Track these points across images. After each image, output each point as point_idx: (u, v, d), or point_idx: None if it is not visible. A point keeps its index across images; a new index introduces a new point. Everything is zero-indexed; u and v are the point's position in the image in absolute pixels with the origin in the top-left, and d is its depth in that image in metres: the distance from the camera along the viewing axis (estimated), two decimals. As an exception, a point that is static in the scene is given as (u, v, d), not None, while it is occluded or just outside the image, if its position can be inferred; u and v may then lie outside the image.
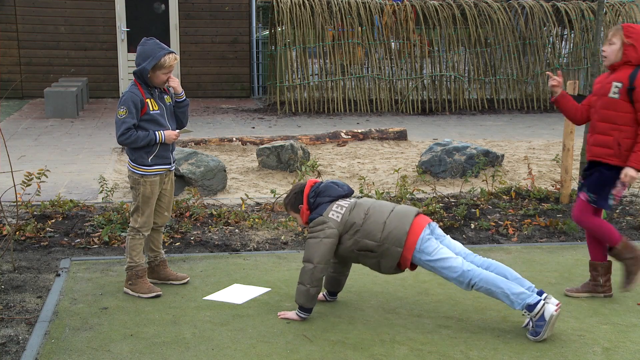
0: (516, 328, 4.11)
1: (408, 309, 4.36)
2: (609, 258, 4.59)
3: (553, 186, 7.32)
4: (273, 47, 13.90)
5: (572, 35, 14.22)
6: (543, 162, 8.89)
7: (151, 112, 4.43)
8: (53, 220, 6.06)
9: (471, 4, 13.82)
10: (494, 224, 6.20)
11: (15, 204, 5.87)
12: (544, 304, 3.90)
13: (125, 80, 14.78)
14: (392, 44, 13.76)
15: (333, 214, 4.13)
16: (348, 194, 4.30)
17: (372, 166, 8.69)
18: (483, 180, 7.54)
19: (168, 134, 4.47)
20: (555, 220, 6.15)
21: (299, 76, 13.35)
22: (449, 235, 4.26)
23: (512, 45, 13.83)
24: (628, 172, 4.25)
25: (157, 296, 4.50)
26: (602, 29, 10.02)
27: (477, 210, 6.49)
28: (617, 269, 4.63)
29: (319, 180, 4.38)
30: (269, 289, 4.68)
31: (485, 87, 14.11)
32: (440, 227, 6.02)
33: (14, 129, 10.99)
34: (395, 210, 4.16)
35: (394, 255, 4.07)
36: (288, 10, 12.94)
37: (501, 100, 13.95)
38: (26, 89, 14.30)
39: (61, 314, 4.22)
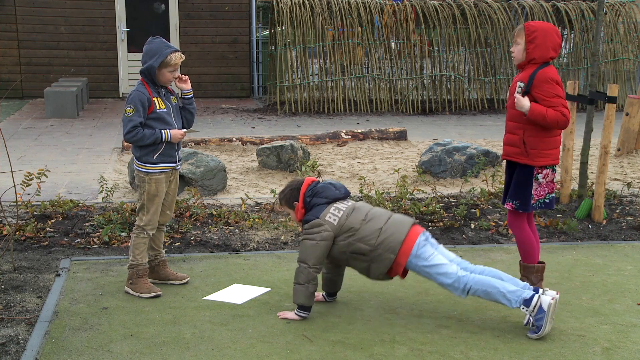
0: (516, 328, 4.11)
1: (408, 309, 4.36)
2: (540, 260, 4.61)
3: (553, 186, 7.32)
4: (273, 47, 13.90)
5: (572, 35, 14.22)
6: (543, 162, 8.88)
7: (158, 110, 4.45)
8: (53, 220, 6.06)
9: (471, 4, 13.82)
10: (494, 224, 6.20)
11: (15, 204, 5.87)
12: (539, 297, 3.92)
13: (126, 80, 14.79)
14: (392, 44, 13.76)
15: (330, 217, 4.14)
16: (345, 196, 4.31)
17: (372, 166, 8.69)
18: (483, 180, 7.54)
19: (174, 132, 4.48)
20: (555, 220, 6.15)
21: (299, 76, 13.35)
22: (442, 245, 4.28)
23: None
24: (523, 102, 4.25)
25: (157, 296, 4.50)
26: (602, 29, 10.02)
27: (477, 210, 6.49)
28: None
29: (317, 179, 4.37)
30: (269, 289, 4.68)
31: (485, 87, 14.11)
32: (440, 227, 6.05)
33: (14, 129, 10.99)
34: (392, 218, 4.18)
35: (386, 262, 4.09)
36: (288, 10, 12.94)
37: (501, 100, 13.95)
38: (26, 89, 14.31)
39: (61, 314, 4.22)
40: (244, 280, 4.84)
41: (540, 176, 4.39)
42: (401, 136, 10.36)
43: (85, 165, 8.58)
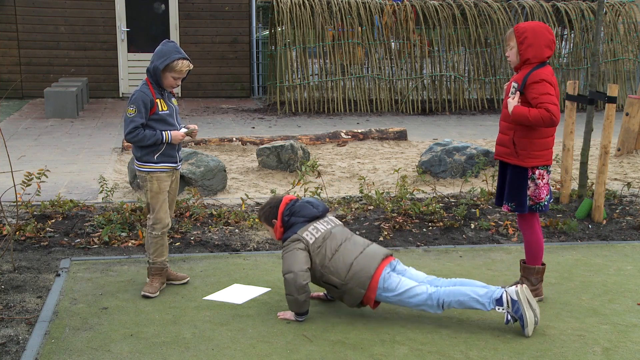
0: (516, 328, 4.10)
1: (408, 309, 4.36)
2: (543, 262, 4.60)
3: (553, 186, 7.32)
4: (273, 47, 13.90)
5: (572, 35, 14.22)
6: (543, 162, 8.88)
7: (160, 112, 4.46)
8: (53, 220, 6.06)
9: (471, 4, 13.82)
10: (494, 224, 6.20)
11: (15, 204, 5.87)
12: (506, 291, 3.96)
13: (126, 80, 14.79)
14: (392, 44, 13.76)
15: (307, 234, 4.18)
16: (322, 214, 4.32)
17: (372, 166, 8.69)
18: (483, 180, 7.54)
19: (175, 134, 4.49)
20: (555, 220, 6.15)
21: (299, 76, 13.35)
22: (410, 268, 4.29)
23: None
24: (510, 104, 4.28)
25: (145, 296, 4.53)
26: (602, 29, 10.00)
27: (477, 210, 6.49)
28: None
29: (295, 197, 4.39)
30: (269, 289, 4.68)
31: (485, 87, 14.12)
32: (440, 227, 6.05)
33: (14, 129, 10.99)
34: (365, 252, 4.19)
35: (357, 296, 4.13)
36: (288, 10, 12.94)
37: (501, 100, 13.94)
38: (26, 89, 14.31)
39: (61, 314, 4.22)
40: (244, 280, 4.84)
41: (535, 177, 4.38)
42: (401, 136, 10.37)
43: (85, 165, 8.58)
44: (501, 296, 3.96)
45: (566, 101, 6.75)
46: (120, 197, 7.01)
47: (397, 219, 6.14)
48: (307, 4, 13.11)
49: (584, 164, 6.75)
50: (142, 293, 4.52)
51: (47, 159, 8.81)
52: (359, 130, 10.32)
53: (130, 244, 5.57)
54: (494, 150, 8.54)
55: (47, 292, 4.58)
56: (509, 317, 3.97)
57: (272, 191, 6.74)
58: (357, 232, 5.89)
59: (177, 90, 4.72)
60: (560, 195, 6.85)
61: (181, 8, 14.75)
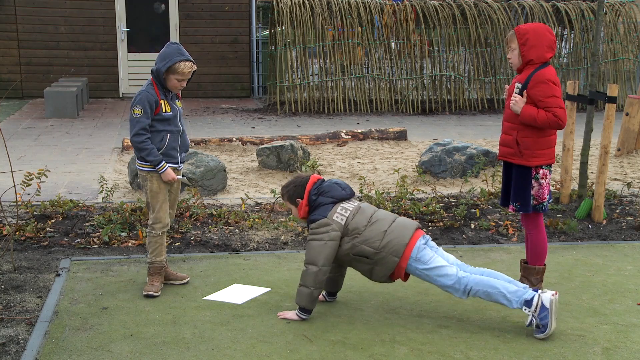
0: (516, 328, 4.11)
1: (408, 309, 4.36)
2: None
3: (553, 186, 7.32)
4: (273, 47, 13.90)
5: (572, 35, 14.22)
6: (543, 162, 8.88)
7: (164, 113, 4.46)
8: (53, 220, 6.06)
9: (471, 4, 13.82)
10: (494, 224, 6.20)
11: (15, 204, 5.87)
12: (540, 295, 3.93)
13: (126, 80, 14.79)
14: (392, 44, 13.76)
15: (337, 217, 4.12)
16: (350, 195, 4.30)
17: (372, 166, 8.69)
18: (483, 180, 7.54)
19: (169, 172, 4.49)
20: (555, 220, 6.15)
21: (299, 76, 13.35)
22: (441, 247, 4.28)
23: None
24: (518, 105, 4.28)
25: (149, 296, 4.54)
26: (602, 29, 10.00)
27: (477, 210, 6.49)
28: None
29: (322, 177, 4.36)
30: (269, 289, 4.68)
31: (485, 87, 14.11)
32: (440, 227, 6.05)
33: (14, 129, 10.99)
34: (396, 221, 4.17)
35: (390, 265, 4.08)
36: (288, 10, 12.94)
37: (501, 100, 13.94)
38: (26, 89, 14.30)
39: (61, 314, 4.22)
40: (244, 280, 4.84)
41: (539, 176, 4.38)
42: (401, 136, 10.37)
43: (85, 165, 8.58)
44: (532, 298, 3.92)
45: (566, 101, 6.75)
46: (120, 197, 7.01)
47: (397, 219, 6.14)
48: (307, 4, 13.11)
49: (584, 164, 6.75)
50: (145, 293, 4.52)
51: (47, 159, 8.80)
52: (359, 130, 10.32)
53: (130, 244, 5.57)
54: (494, 150, 8.55)
55: (47, 292, 4.58)
56: (533, 320, 3.94)
57: (272, 191, 6.74)
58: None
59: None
60: (560, 195, 6.85)
61: (181, 8, 14.75)
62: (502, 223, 6.20)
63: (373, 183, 7.52)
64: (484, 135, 11.01)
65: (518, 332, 4.05)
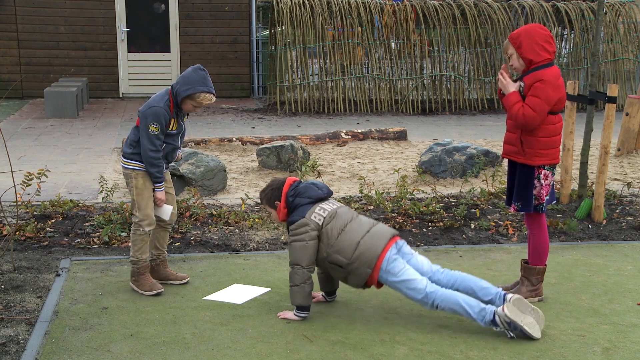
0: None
1: (408, 309, 4.36)
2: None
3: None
4: (273, 47, 13.90)
5: (572, 35, 14.22)
6: (543, 162, 8.88)
7: (169, 131, 4.47)
8: (53, 220, 6.06)
9: (471, 4, 13.82)
10: (494, 224, 6.20)
11: (15, 204, 5.87)
12: (497, 313, 3.90)
13: (126, 80, 14.78)
14: (392, 44, 13.76)
15: (315, 216, 4.14)
16: (327, 195, 4.30)
17: (372, 166, 8.69)
18: (483, 180, 7.54)
19: (159, 195, 4.52)
20: (555, 220, 6.15)
21: (299, 76, 13.35)
22: (417, 252, 4.27)
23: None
24: (508, 87, 4.32)
25: (158, 294, 4.52)
26: (602, 29, 10.00)
27: (477, 210, 6.49)
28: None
29: (298, 179, 4.37)
30: (269, 289, 4.68)
31: (485, 87, 14.11)
32: (440, 227, 6.05)
33: (14, 129, 10.99)
34: (371, 231, 4.15)
35: (363, 275, 4.10)
36: (288, 10, 12.94)
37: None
38: (26, 89, 14.30)
39: (61, 314, 4.22)
40: (244, 280, 4.84)
41: (541, 177, 4.38)
42: (401, 136, 10.37)
43: (85, 165, 8.58)
44: (493, 318, 3.92)
45: (566, 101, 6.75)
46: (120, 197, 7.00)
47: (397, 219, 6.14)
48: (307, 4, 13.11)
49: (584, 164, 6.75)
50: (150, 294, 4.53)
51: (47, 159, 8.81)
52: (359, 130, 10.32)
53: (130, 244, 5.56)
54: (494, 150, 8.56)
55: (47, 292, 4.58)
56: (510, 333, 3.94)
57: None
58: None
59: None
60: (560, 195, 6.85)
61: (181, 8, 14.75)
62: (502, 223, 6.20)
63: (373, 183, 7.52)
64: (484, 135, 11.01)
65: (518, 332, 4.05)
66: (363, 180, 7.44)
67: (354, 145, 9.90)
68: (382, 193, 6.77)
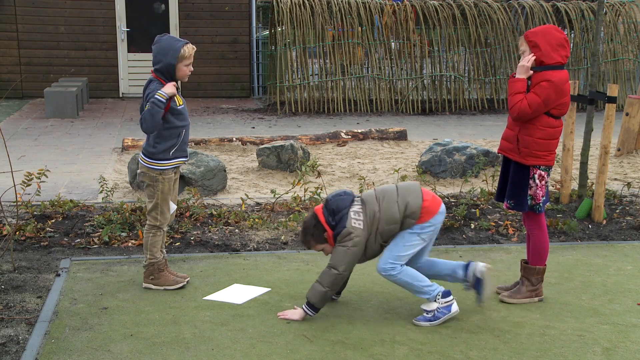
0: (516, 328, 4.11)
1: (408, 309, 4.36)
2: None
3: (553, 186, 7.32)
4: (273, 47, 13.90)
5: (572, 35, 14.22)
6: (543, 162, 8.88)
7: (178, 107, 4.46)
8: (53, 220, 6.06)
9: (471, 4, 13.82)
10: (494, 224, 6.20)
11: (15, 204, 5.87)
12: (476, 265, 4.28)
13: (126, 80, 14.78)
14: (392, 44, 13.76)
15: (355, 222, 4.13)
16: (353, 197, 4.30)
17: (372, 166, 8.69)
18: (483, 180, 7.54)
19: (166, 86, 4.40)
20: (555, 220, 6.15)
21: (299, 76, 13.35)
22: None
23: (512, 45, 13.84)
24: (524, 68, 4.28)
25: (183, 286, 4.61)
26: (602, 29, 10.00)
27: (477, 210, 6.49)
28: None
29: (322, 205, 4.33)
30: (269, 289, 4.68)
31: (485, 87, 14.12)
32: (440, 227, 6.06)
33: (14, 129, 10.99)
34: (400, 188, 4.26)
35: (408, 226, 4.18)
36: (288, 10, 12.94)
37: (501, 100, 13.95)
38: (26, 89, 14.30)
39: (61, 314, 4.22)
40: (244, 280, 4.84)
41: (536, 177, 4.37)
42: (401, 136, 10.37)
43: (85, 165, 8.58)
44: (467, 265, 4.28)
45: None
46: (120, 197, 7.01)
47: (397, 219, 6.13)
48: (307, 4, 13.11)
49: (584, 164, 6.75)
50: (175, 287, 4.59)
51: (47, 159, 8.81)
52: (359, 130, 10.32)
53: (130, 244, 5.57)
54: (494, 150, 8.56)
55: (47, 292, 4.58)
56: (467, 284, 4.28)
57: (272, 191, 6.74)
58: (357, 232, 5.89)
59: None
60: (560, 195, 6.85)
61: (181, 8, 14.75)
62: (502, 223, 6.20)
63: (373, 183, 7.52)
64: (484, 135, 11.01)
65: (518, 332, 4.06)
66: (363, 180, 7.44)
67: (354, 145, 9.90)
68: (382, 193, 6.76)
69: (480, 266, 4.26)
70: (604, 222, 6.30)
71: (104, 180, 6.95)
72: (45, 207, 6.32)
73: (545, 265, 4.54)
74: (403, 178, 6.86)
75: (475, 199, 6.89)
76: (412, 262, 4.27)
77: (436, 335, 4.00)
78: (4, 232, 5.63)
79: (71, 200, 6.49)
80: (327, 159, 9.07)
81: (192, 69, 4.51)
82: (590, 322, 4.22)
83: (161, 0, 14.81)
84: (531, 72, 4.30)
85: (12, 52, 14.25)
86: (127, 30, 14.65)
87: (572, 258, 5.41)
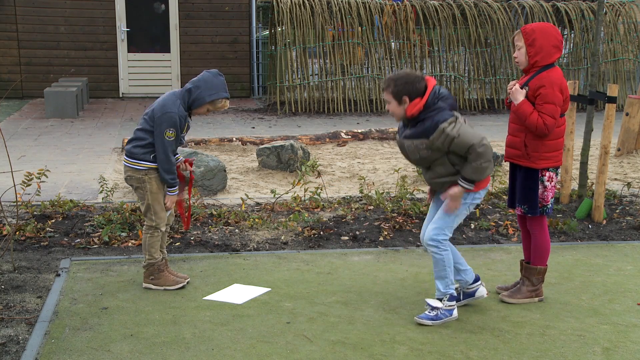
0: (516, 328, 4.11)
1: (408, 309, 4.36)
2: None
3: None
4: (273, 47, 13.90)
5: (572, 35, 14.22)
6: (543, 162, 8.88)
7: (181, 134, 4.49)
8: (53, 220, 6.06)
9: (471, 4, 13.82)
10: (494, 224, 6.20)
11: (15, 204, 5.87)
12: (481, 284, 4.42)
13: (126, 80, 14.78)
14: (392, 44, 13.76)
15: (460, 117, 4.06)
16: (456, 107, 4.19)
17: (372, 166, 8.69)
18: (483, 180, 7.53)
19: (172, 200, 4.57)
20: (555, 220, 6.15)
21: (299, 76, 13.35)
22: None
23: (512, 45, 13.82)
24: (517, 95, 4.27)
25: (183, 286, 4.62)
26: (602, 29, 10.00)
27: (477, 210, 6.49)
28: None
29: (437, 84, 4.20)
30: (269, 289, 4.68)
31: (485, 87, 14.12)
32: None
33: (14, 129, 10.99)
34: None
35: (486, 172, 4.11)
36: (288, 10, 12.94)
37: (501, 100, 13.95)
38: (26, 89, 14.30)
39: (61, 314, 4.22)
40: (244, 280, 4.84)
41: (545, 179, 4.36)
42: (401, 136, 10.35)
43: (85, 165, 8.58)
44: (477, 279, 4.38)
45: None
46: (120, 197, 7.01)
47: (397, 219, 6.14)
48: (307, 4, 13.11)
49: (584, 164, 6.75)
50: (176, 287, 4.61)
51: (47, 159, 8.81)
52: (359, 130, 10.32)
53: (130, 244, 5.57)
54: (493, 150, 8.55)
55: (47, 292, 4.58)
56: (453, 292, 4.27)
57: (272, 191, 6.74)
58: (357, 232, 5.90)
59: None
60: (560, 195, 6.86)
61: (181, 8, 14.75)
62: (502, 223, 6.20)
63: (373, 183, 7.52)
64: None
65: (518, 332, 4.06)
66: (363, 180, 7.44)
67: (354, 145, 9.90)
68: (382, 193, 6.77)
69: (484, 291, 4.43)
70: (604, 222, 6.30)
71: (104, 180, 6.95)
72: (45, 207, 6.32)
73: (547, 265, 4.54)
74: (403, 178, 6.86)
75: (475, 199, 6.88)
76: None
77: (436, 335, 4.00)
78: (4, 232, 5.63)
79: (71, 200, 6.49)
80: (327, 159, 9.07)
81: (208, 114, 4.55)
82: (590, 322, 4.22)
83: (161, 0, 14.81)
84: (525, 89, 4.30)
85: (12, 52, 14.25)
86: (127, 30, 14.65)
87: (572, 258, 5.41)
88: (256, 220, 6.05)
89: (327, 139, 10.07)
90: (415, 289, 4.71)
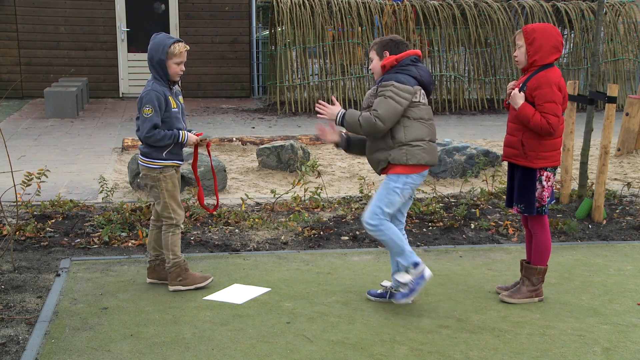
0: (516, 328, 4.11)
1: (408, 309, 4.36)
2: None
3: (552, 186, 7.31)
4: (273, 47, 13.90)
5: (572, 35, 14.22)
6: (543, 162, 8.87)
7: (172, 110, 4.46)
8: (53, 220, 6.06)
9: (471, 4, 13.82)
10: (494, 224, 6.20)
11: (15, 204, 5.87)
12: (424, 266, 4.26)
13: (126, 80, 14.78)
14: (392, 44, 13.73)
15: (417, 95, 4.18)
16: (428, 85, 4.29)
17: (372, 166, 8.68)
18: (483, 180, 7.54)
19: (191, 136, 4.52)
20: (555, 220, 6.15)
21: (299, 76, 13.35)
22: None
23: (512, 45, 13.83)
24: (517, 99, 4.28)
25: (210, 282, 4.66)
26: (602, 29, 10.00)
27: (477, 210, 6.49)
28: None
29: (421, 55, 4.36)
30: (269, 289, 4.68)
31: (485, 87, 14.12)
32: (440, 227, 6.06)
33: (14, 129, 10.99)
34: (433, 145, 4.29)
35: (399, 160, 4.20)
36: (288, 10, 12.94)
37: (501, 100, 13.94)
38: (26, 89, 14.31)
39: (61, 314, 4.22)
40: (244, 280, 4.84)
41: (542, 178, 4.37)
42: (401, 136, 10.34)
43: (85, 165, 8.58)
44: (419, 262, 4.24)
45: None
46: (120, 197, 7.01)
47: (397, 219, 6.13)
48: (307, 4, 13.11)
49: (584, 164, 6.75)
50: (200, 285, 4.61)
51: (47, 159, 8.81)
52: (359, 130, 10.30)
53: (130, 244, 5.57)
54: (494, 150, 8.56)
55: (47, 292, 4.58)
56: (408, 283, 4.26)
57: (272, 191, 6.74)
58: (357, 232, 5.90)
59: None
60: (560, 195, 6.86)
61: (181, 8, 14.75)
62: (502, 223, 6.20)
63: (373, 183, 7.52)
64: (484, 135, 11.02)
65: (518, 332, 4.06)
66: (363, 180, 7.44)
67: (354, 145, 9.88)
68: (382, 193, 6.76)
69: (428, 272, 4.30)
70: (604, 222, 6.30)
71: (104, 180, 6.95)
72: (45, 207, 6.32)
73: (547, 265, 4.54)
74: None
75: (475, 199, 6.89)
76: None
77: (436, 335, 4.00)
78: (4, 232, 5.63)
79: (71, 200, 6.49)
80: (327, 159, 9.07)
81: (183, 68, 4.51)
82: (590, 322, 4.22)
83: (161, 0, 14.82)
84: (523, 90, 4.30)
85: (12, 52, 14.26)
86: (127, 30, 14.65)
87: (572, 258, 5.41)
88: (256, 220, 6.05)
89: (327, 139, 10.05)
90: (415, 289, 4.70)
